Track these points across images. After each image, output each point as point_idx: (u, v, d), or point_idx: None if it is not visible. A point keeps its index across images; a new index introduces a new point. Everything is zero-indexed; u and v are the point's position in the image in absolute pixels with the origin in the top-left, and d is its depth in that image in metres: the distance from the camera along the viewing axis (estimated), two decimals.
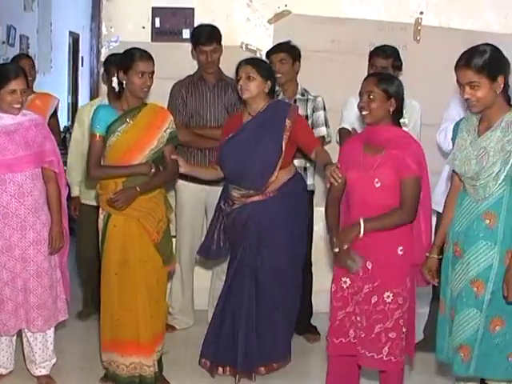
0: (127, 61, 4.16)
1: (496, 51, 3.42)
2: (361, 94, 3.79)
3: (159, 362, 4.38)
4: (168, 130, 4.24)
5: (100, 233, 4.28)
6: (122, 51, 5.13)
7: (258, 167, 4.31)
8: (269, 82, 4.35)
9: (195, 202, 5.14)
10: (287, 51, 5.00)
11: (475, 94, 3.37)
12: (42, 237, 4.14)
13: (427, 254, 3.73)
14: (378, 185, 3.72)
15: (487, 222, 3.42)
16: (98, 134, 4.17)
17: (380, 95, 3.73)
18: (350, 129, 4.84)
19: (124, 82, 4.15)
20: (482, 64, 3.34)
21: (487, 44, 3.44)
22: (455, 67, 3.43)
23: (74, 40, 12.33)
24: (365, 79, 3.83)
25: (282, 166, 4.33)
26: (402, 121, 3.91)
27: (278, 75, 4.91)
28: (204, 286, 5.41)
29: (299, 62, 5.04)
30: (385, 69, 4.79)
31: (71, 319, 4.87)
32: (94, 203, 4.99)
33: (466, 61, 3.37)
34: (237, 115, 4.59)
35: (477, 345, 3.43)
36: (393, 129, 3.79)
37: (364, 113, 3.77)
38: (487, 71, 3.34)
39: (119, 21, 5.56)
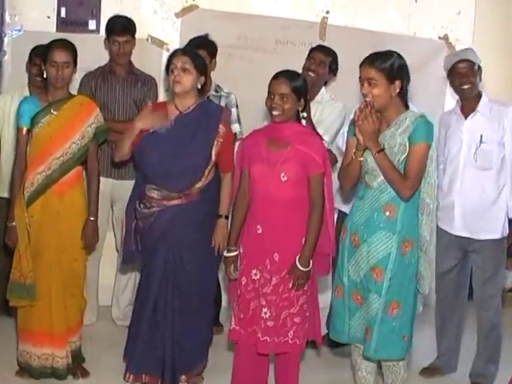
0: (46, 51, 4.17)
1: (400, 59, 3.68)
2: (271, 94, 3.83)
3: (78, 353, 4.39)
4: (93, 125, 4.24)
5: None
6: (25, 40, 5.08)
7: (185, 170, 4.07)
8: (202, 78, 4.10)
9: (101, 195, 5.04)
10: (205, 48, 4.87)
11: (371, 90, 3.62)
12: None
13: None
14: (284, 179, 3.81)
15: (387, 213, 3.67)
16: (23, 128, 4.18)
17: (292, 97, 3.82)
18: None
19: (45, 74, 4.17)
20: (384, 65, 3.60)
21: (394, 51, 3.69)
22: (360, 64, 3.67)
23: None
24: (275, 78, 3.86)
25: (209, 171, 4.15)
26: (301, 115, 3.96)
27: None
28: (107, 282, 5.34)
29: (215, 58, 4.98)
30: (323, 64, 4.86)
31: None
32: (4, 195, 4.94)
33: (370, 59, 3.64)
34: (160, 106, 4.25)
35: (376, 328, 3.66)
36: (295, 125, 3.89)
37: (275, 113, 3.82)
38: (386, 73, 3.61)
39: (23, 9, 5.40)
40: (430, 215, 3.70)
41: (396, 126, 3.64)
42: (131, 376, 4.26)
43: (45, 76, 4.21)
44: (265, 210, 3.86)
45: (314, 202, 3.84)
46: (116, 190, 5.06)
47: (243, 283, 3.95)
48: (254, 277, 3.92)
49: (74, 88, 4.47)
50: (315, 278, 4.00)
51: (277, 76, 3.87)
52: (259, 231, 3.89)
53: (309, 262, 3.82)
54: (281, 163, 3.82)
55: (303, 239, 3.84)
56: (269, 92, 3.85)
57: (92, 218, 4.34)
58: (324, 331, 4.98)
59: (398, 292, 3.65)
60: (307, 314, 3.93)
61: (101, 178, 4.89)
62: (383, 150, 3.60)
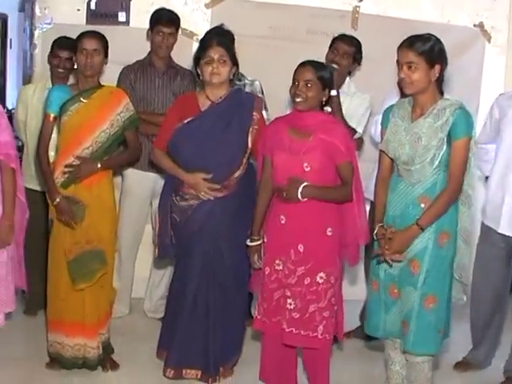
0: (76, 41, 4.20)
1: (439, 42, 3.60)
2: (295, 81, 3.80)
3: (107, 345, 4.40)
4: (122, 114, 4.24)
5: (50, 213, 4.23)
6: (55, 33, 5.07)
7: (223, 159, 4.08)
8: (234, 68, 4.13)
9: (141, 189, 5.07)
10: (224, 38, 4.79)
11: (411, 75, 3.55)
12: None
13: (377, 226, 3.75)
14: (307, 169, 3.76)
15: (422, 205, 3.59)
16: (51, 115, 4.18)
17: (317, 85, 3.77)
18: None
19: (76, 64, 4.19)
20: (424, 49, 3.52)
21: (432, 34, 3.61)
22: (398, 47, 3.59)
23: (2, 21, 12.01)
24: (301, 66, 3.83)
25: (247, 159, 4.16)
26: (325, 109, 3.94)
27: None
28: (142, 274, 5.32)
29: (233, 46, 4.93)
30: (347, 55, 4.74)
31: (19, 314, 4.74)
32: (37, 188, 4.95)
33: (409, 42, 3.55)
34: (189, 97, 4.28)
35: (413, 321, 3.61)
36: (319, 114, 3.85)
37: (299, 100, 3.78)
38: (427, 56, 3.52)
39: (53, 2, 5.40)
40: (472, 206, 3.65)
41: (434, 117, 3.56)
42: (172, 371, 4.24)
43: (75, 66, 4.22)
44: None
45: (344, 182, 3.80)
46: (157, 184, 5.02)
47: (266, 273, 3.92)
48: (277, 267, 3.87)
49: (105, 81, 4.44)
50: (341, 270, 3.96)
51: (303, 63, 3.84)
52: (282, 221, 3.84)
53: (307, 194, 3.74)
54: (303, 152, 3.77)
55: (328, 229, 3.80)
56: (293, 79, 3.81)
57: None
58: (356, 324, 4.96)
59: (435, 285, 3.60)
60: (335, 308, 3.88)
61: (141, 172, 5.00)
62: (416, 224, 3.55)
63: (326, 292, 3.81)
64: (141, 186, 5.08)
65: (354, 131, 4.58)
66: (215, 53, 4.05)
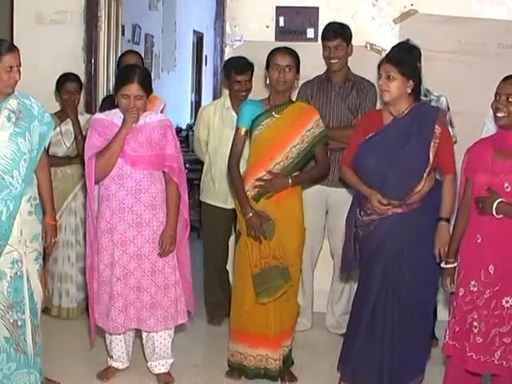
0: (268, 57, 4.29)
1: None
2: (498, 95, 3.67)
3: (288, 357, 4.43)
4: (313, 130, 4.28)
5: (238, 226, 4.34)
6: (245, 50, 5.23)
7: (403, 174, 4.02)
8: (411, 82, 4.01)
9: (316, 202, 5.08)
10: (409, 53, 4.68)
11: None
12: (158, 235, 4.14)
13: None
14: (508, 189, 3.62)
15: None
16: (242, 129, 4.28)
17: None
18: None
19: (267, 79, 4.28)
20: None
21: None
22: None
23: (198, 39, 12.49)
24: (504, 80, 3.70)
25: (428, 174, 4.08)
26: None
27: None
28: (322, 288, 5.33)
29: (420, 61, 4.78)
30: None
31: (202, 324, 4.86)
32: (216, 203, 5.11)
33: None
34: (375, 113, 4.31)
35: None
36: None
37: (501, 114, 3.65)
38: None
39: (243, 20, 5.58)
40: None
41: None
42: None
43: (267, 81, 4.30)
44: (487, 220, 3.68)
45: None
46: (330, 197, 5.08)
47: (461, 294, 3.79)
48: (472, 288, 3.75)
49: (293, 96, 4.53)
50: None
51: (506, 77, 3.70)
52: (479, 240, 3.72)
53: (502, 210, 3.59)
54: (506, 173, 3.63)
55: None
56: (496, 94, 3.69)
57: None
58: None
59: None
60: None
61: (317, 186, 5.01)
62: None
63: (510, 317, 3.66)
64: (315, 199, 5.09)
65: None
66: (382, 70, 4.02)
